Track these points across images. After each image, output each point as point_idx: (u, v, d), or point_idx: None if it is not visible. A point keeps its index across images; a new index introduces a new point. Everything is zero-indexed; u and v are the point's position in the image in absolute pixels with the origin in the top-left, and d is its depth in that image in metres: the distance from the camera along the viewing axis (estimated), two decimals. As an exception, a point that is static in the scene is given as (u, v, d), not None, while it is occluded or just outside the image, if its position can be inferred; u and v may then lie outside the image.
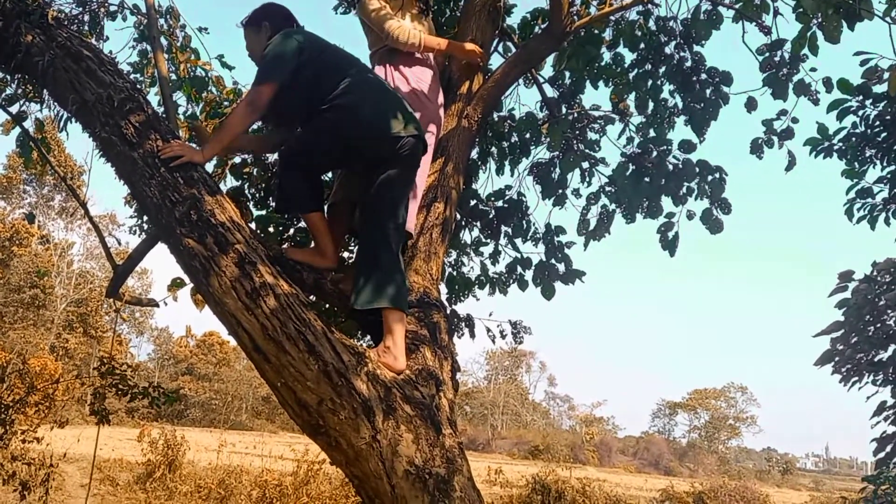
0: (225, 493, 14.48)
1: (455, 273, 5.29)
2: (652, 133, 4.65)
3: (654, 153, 4.50)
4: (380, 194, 3.00)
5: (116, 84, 2.89)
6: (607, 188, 4.79)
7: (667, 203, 4.63)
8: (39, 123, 4.34)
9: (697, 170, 4.49)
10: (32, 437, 5.92)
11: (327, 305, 3.89)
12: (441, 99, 3.63)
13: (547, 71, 4.85)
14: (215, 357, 62.54)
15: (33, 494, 6.03)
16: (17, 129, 4.21)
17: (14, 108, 4.04)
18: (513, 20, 4.75)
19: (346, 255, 4.80)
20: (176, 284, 3.91)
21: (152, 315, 65.54)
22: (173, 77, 4.74)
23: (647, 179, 4.54)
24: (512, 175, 5.10)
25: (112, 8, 4.61)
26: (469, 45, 3.69)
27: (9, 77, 3.89)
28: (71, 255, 54.12)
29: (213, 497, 14.49)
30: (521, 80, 4.59)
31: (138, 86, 3.22)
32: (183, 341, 66.33)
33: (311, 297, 3.18)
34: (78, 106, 2.86)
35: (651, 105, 4.63)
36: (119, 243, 4.27)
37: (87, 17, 4.39)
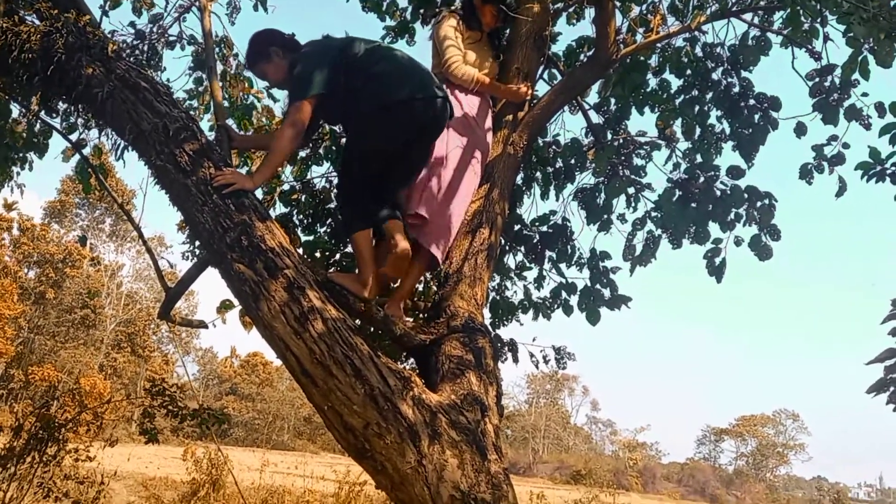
0: (268, 514, 14.55)
1: (499, 298, 5.30)
2: (699, 158, 4.61)
3: (702, 179, 4.46)
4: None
5: (171, 114, 2.98)
6: (653, 213, 4.76)
7: (714, 228, 4.58)
8: (97, 150, 4.49)
9: (746, 196, 4.44)
10: (85, 456, 6.06)
11: (372, 329, 3.93)
12: (489, 124, 3.67)
13: (592, 97, 4.87)
14: (258, 377, 63.18)
15: (84, 512, 6.16)
16: (77, 156, 4.37)
17: (74, 136, 4.19)
18: (558, 47, 4.79)
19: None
20: (225, 307, 3.99)
21: (197, 336, 66.50)
22: (226, 104, 4.87)
23: (693, 205, 4.50)
24: (556, 200, 5.11)
25: (171, 38, 4.76)
26: (521, 90, 3.73)
27: (69, 107, 4.03)
28: (121, 277, 55.37)
29: (257, 518, 14.57)
30: (566, 107, 4.61)
31: (192, 113, 3.33)
32: (227, 361, 67.20)
33: (357, 321, 3.22)
34: (135, 135, 2.96)
35: (698, 131, 4.60)
36: (170, 266, 4.37)
37: (146, 47, 4.55)
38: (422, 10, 4.98)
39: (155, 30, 4.61)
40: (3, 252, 43.71)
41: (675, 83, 4.67)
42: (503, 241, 4.81)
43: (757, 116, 4.56)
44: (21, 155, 4.41)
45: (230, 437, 47.09)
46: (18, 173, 4.67)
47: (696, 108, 4.63)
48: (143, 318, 52.22)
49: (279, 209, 4.99)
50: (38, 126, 4.33)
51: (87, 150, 4.39)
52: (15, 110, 4.24)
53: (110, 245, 55.03)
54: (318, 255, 4.63)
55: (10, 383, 41.02)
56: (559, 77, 4.69)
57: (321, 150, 5.12)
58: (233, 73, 5.06)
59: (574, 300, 5.05)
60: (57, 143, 4.70)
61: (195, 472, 15.68)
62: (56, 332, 46.17)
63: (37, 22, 3.12)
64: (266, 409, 58.79)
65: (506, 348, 5.02)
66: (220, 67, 4.86)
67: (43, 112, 4.00)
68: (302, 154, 4.98)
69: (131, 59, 3.22)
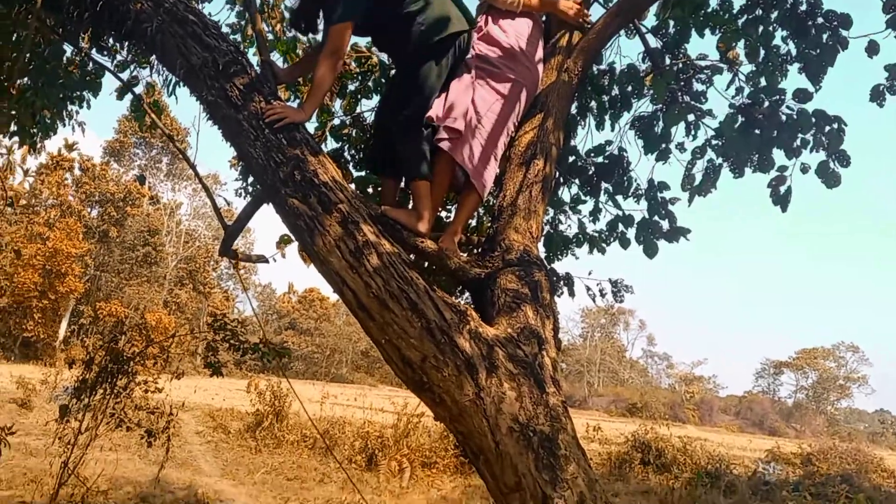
0: (329, 443, 15.03)
1: (553, 231, 5.23)
2: (763, 82, 4.39)
3: (766, 103, 4.25)
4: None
5: (220, 48, 2.94)
6: (714, 141, 4.58)
7: (779, 156, 4.40)
8: (150, 88, 4.50)
9: (813, 120, 4.23)
10: (154, 388, 6.30)
11: (427, 264, 3.92)
12: (540, 54, 3.53)
13: (650, 20, 4.65)
14: (316, 312, 64.65)
15: (156, 441, 6.43)
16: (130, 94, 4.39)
17: (125, 75, 4.20)
18: (614, -33, 4.57)
19: (443, 214, 4.82)
20: (284, 241, 4.01)
21: (256, 272, 68.12)
22: (269, 37, 4.81)
23: (757, 131, 4.31)
24: (612, 130, 4.96)
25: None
26: (572, 8, 3.56)
27: (118, 45, 4.03)
28: (179, 215, 56.66)
29: (318, 446, 15.07)
30: (622, 31, 4.42)
31: (239, 47, 3.29)
32: (285, 297, 68.82)
33: (411, 256, 3.20)
34: (185, 70, 2.93)
35: (762, 52, 4.37)
36: (227, 203, 4.41)
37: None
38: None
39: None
40: (67, 192, 45.04)
41: (738, 2, 4.43)
42: (557, 174, 4.70)
43: (825, 36, 4.30)
44: (77, 94, 4.45)
45: (290, 370, 48.52)
46: (77, 111, 4.73)
47: (761, 28, 4.38)
48: (203, 255, 53.58)
49: (330, 144, 4.97)
50: (90, 65, 4.35)
51: (139, 89, 4.42)
52: (68, 51, 4.27)
53: (167, 184, 56.18)
54: (370, 190, 4.61)
55: (79, 319, 42.79)
56: (615, 0, 4.49)
57: (370, 83, 5.05)
58: (272, 4, 4.99)
59: (631, 233, 4.94)
60: (111, 82, 4.73)
61: (259, 403, 16.25)
62: (120, 269, 47.77)
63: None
64: (324, 344, 60.33)
65: (561, 282, 4.97)
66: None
67: (94, 51, 4.01)
68: (351, 87, 4.92)
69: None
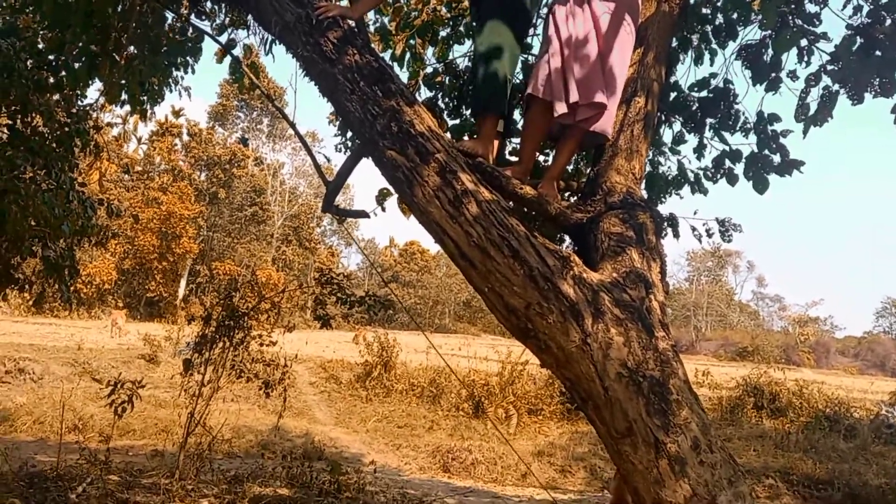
0: (437, 392, 15.36)
1: (653, 172, 5.06)
2: (884, -2, 4.05)
3: (888, 21, 3.93)
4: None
5: (314, 2, 2.95)
6: (829, 66, 4.28)
7: (903, 78, 4.06)
8: (247, 49, 4.59)
9: (943, 36, 3.88)
10: (268, 341, 6.57)
11: (526, 210, 3.88)
12: (639, -17, 3.36)
13: (757, -60, 4.35)
14: (417, 265, 65.65)
15: (274, 391, 6.74)
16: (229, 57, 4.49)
17: (223, 38, 4.30)
18: None
19: (541, 158, 4.74)
20: (383, 195, 4.05)
21: (358, 227, 69.58)
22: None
23: (878, 53, 3.99)
24: (712, 63, 4.72)
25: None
26: None
27: (216, 7, 4.12)
28: (282, 175, 58.32)
29: (427, 395, 15.44)
30: (726, -46, 4.17)
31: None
32: (387, 251, 70.14)
33: (510, 203, 3.16)
34: (280, 27, 2.96)
35: (884, -35, 4.02)
36: (327, 160, 4.48)
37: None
38: None
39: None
40: (177, 157, 47.11)
41: (857, -87, 4.08)
42: (658, 111, 4.53)
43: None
44: (181, 60, 4.60)
45: (395, 321, 49.69)
46: (182, 77, 4.89)
47: (883, -62, 4.03)
48: (306, 212, 55.14)
49: (424, 93, 4.95)
50: (190, 31, 4.47)
51: (237, 51, 4.52)
52: (169, 18, 4.40)
53: (269, 145, 57.80)
54: (465, 138, 4.57)
55: (197, 278, 45.07)
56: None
57: (461, 28, 4.98)
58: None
59: (739, 168, 4.73)
60: (211, 46, 4.85)
61: (367, 354, 16.74)
62: (230, 229, 49.83)
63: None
64: (426, 296, 61.36)
65: (665, 223, 4.82)
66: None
67: (193, 17, 4.11)
68: (442, 34, 4.87)
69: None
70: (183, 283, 43.34)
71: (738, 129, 4.68)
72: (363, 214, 3.80)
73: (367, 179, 3.23)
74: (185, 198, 41.52)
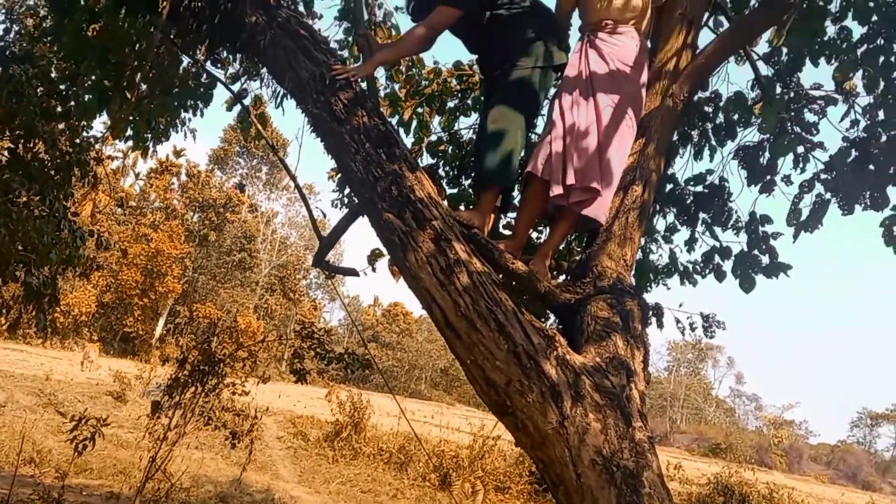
0: (404, 459, 15.07)
1: (644, 259, 5.11)
2: (881, 115, 4.18)
3: (883, 138, 4.05)
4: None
5: (329, 62, 3.02)
6: (823, 175, 4.38)
7: (894, 194, 4.16)
8: (257, 100, 4.67)
9: (935, 158, 3.99)
10: (241, 391, 6.47)
11: (515, 284, 3.89)
12: (644, 78, 3.45)
13: (761, 47, 4.51)
14: (399, 327, 65.30)
15: (240, 443, 6.61)
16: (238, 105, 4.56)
17: (235, 86, 4.37)
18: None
19: (534, 234, 4.78)
20: (375, 255, 4.06)
21: (344, 283, 69.42)
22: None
23: (871, 167, 4.10)
24: (711, 160, 4.82)
25: (321, -12, 4.83)
26: None
27: (231, 57, 4.20)
28: (275, 224, 58.43)
29: (394, 461, 15.14)
30: (731, 57, 4.30)
31: (347, 62, 3.37)
32: (371, 310, 69.84)
33: (500, 276, 3.18)
34: (293, 83, 3.02)
35: (881, 84, 4.16)
36: (324, 215, 4.51)
37: (300, -1, 4.65)
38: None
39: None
40: (173, 196, 47.19)
41: (858, 31, 4.24)
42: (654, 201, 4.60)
43: (953, 70, 4.07)
44: (191, 102, 4.66)
45: (371, 382, 49.12)
46: (189, 119, 4.96)
47: (881, 58, 4.18)
48: (293, 263, 55.05)
49: (426, 160, 5.02)
50: (204, 76, 4.54)
51: (247, 100, 4.59)
52: (184, 62, 4.48)
53: (265, 192, 58.07)
54: (462, 207, 4.62)
55: (176, 318, 44.59)
56: (726, 25, 4.37)
57: (469, 101, 5.09)
58: (378, 22, 5.09)
59: (728, 265, 4.78)
60: (221, 92, 4.94)
61: (339, 413, 16.47)
62: (216, 272, 49.56)
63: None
64: (404, 359, 60.85)
65: (651, 313, 4.84)
66: (366, 16, 4.90)
67: (208, 63, 4.19)
68: (450, 104, 4.97)
69: (290, 7, 3.27)
70: (161, 321, 42.85)
71: (729, 226, 4.75)
72: (353, 273, 3.80)
73: (358, 237, 3.27)
74: (174, 237, 41.42)
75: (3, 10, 7.25)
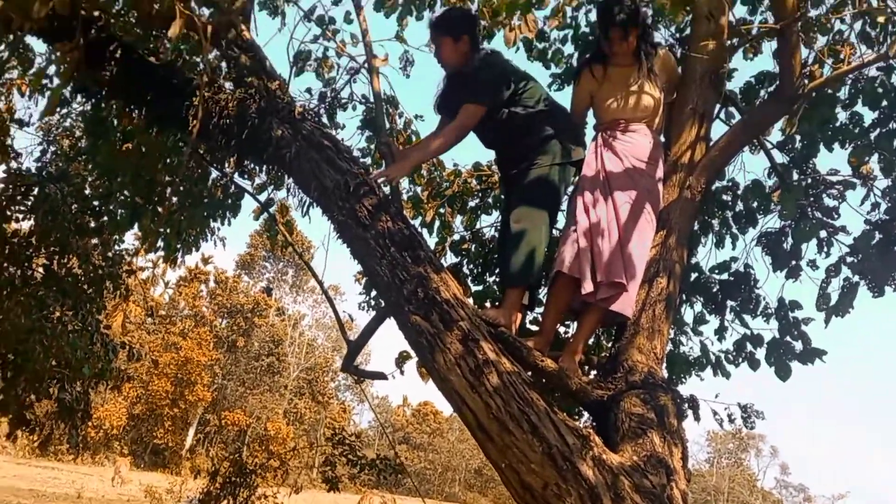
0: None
1: (674, 351, 5.03)
2: (901, 197, 4.18)
3: (906, 219, 4.03)
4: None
5: (352, 170, 3.11)
6: (849, 258, 4.35)
7: (924, 273, 4.11)
8: (283, 208, 4.79)
9: (963, 236, 3.96)
10: (272, 503, 6.35)
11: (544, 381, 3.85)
12: (660, 173, 3.51)
13: (775, 135, 4.57)
14: (429, 427, 64.11)
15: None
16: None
17: (262, 196, 4.51)
18: (733, 85, 4.56)
19: (561, 329, 4.75)
20: (403, 358, 4.06)
21: (372, 385, 68.83)
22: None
23: (897, 248, 4.07)
24: (733, 248, 4.81)
25: (343, 100, 5.02)
26: None
27: (258, 168, 4.35)
28: (302, 326, 58.58)
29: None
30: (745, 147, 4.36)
31: (370, 169, 3.48)
32: (400, 410, 68.84)
33: (530, 374, 3.15)
34: (319, 192, 3.11)
35: (898, 167, 4.17)
36: (351, 319, 4.54)
37: (323, 109, 4.83)
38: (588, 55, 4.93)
39: (329, 93, 4.86)
40: (202, 303, 47.71)
41: (869, 116, 4.29)
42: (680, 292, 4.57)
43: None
44: (219, 212, 4.80)
45: (403, 486, 47.93)
46: (219, 228, 5.10)
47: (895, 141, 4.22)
48: (321, 365, 54.83)
49: (450, 258, 5.07)
50: (231, 188, 4.69)
51: (273, 208, 4.72)
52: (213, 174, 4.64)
53: (291, 295, 58.49)
54: (487, 304, 4.63)
55: (206, 427, 44.26)
56: (737, 116, 4.45)
57: (490, 200, 5.17)
58: (399, 129, 5.25)
59: (761, 353, 4.69)
60: (248, 201, 5.09)
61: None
62: (245, 378, 49.41)
63: (232, 88, 3.39)
64: (437, 460, 59.45)
65: (685, 405, 4.74)
66: (387, 125, 5.06)
67: (236, 175, 4.33)
68: (471, 204, 5.06)
69: (314, 120, 3.41)
70: (191, 431, 42.53)
71: (759, 313, 4.68)
72: (381, 377, 3.79)
73: (384, 339, 3.29)
74: (203, 344, 41.62)
75: (41, 133, 7.59)
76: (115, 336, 7.43)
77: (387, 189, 3.35)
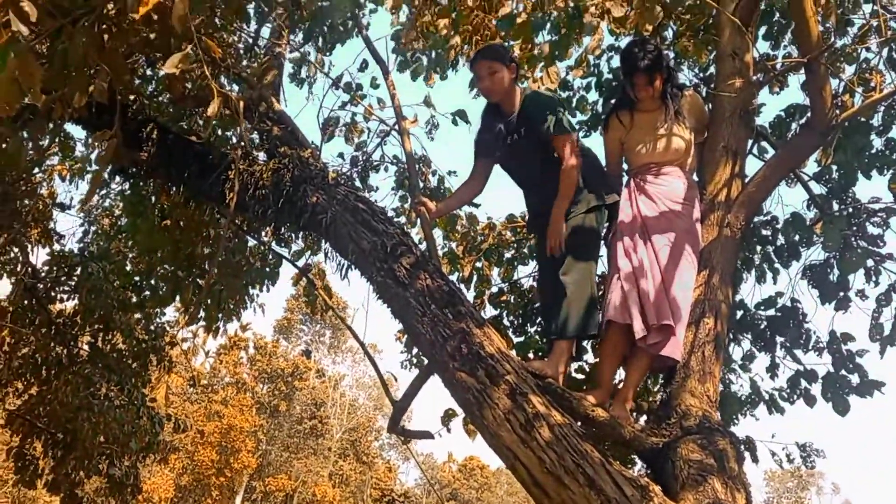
0: None
1: (726, 391, 4.92)
2: (947, 221, 4.09)
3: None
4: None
5: (388, 231, 3.14)
6: (900, 286, 4.24)
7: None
8: (321, 272, 4.83)
9: None
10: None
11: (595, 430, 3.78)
12: (697, 213, 3.48)
13: (810, 167, 4.52)
14: (477, 482, 63.00)
15: None
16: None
17: (300, 262, 4.56)
18: (763, 119, 4.54)
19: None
20: (449, 415, 4.02)
21: (416, 442, 68.14)
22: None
23: (949, 272, 3.97)
24: (774, 282, 4.72)
25: (375, 162, 5.10)
26: None
27: (293, 234, 4.41)
28: (343, 387, 58.41)
29: None
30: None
31: (405, 228, 3.50)
32: (446, 466, 67.85)
33: (580, 424, 3.10)
34: (356, 255, 3.14)
35: (941, 189, 4.09)
36: (395, 379, 4.53)
37: (356, 172, 4.91)
38: (612, 101, 4.96)
39: (361, 156, 4.94)
40: (242, 369, 47.94)
41: (905, 140, 4.23)
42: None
43: None
44: (259, 281, 4.85)
45: (454, 544, 46.95)
46: (258, 295, 5.14)
47: (934, 165, 4.15)
48: (364, 424, 54.47)
49: (489, 311, 5.05)
50: (270, 256, 4.75)
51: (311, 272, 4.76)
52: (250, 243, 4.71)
53: (329, 357, 58.49)
54: (530, 356, 4.58)
55: (252, 494, 44.03)
56: (770, 151, 4.42)
57: (525, 250, 5.17)
58: (433, 187, 5.30)
59: (816, 388, 4.56)
60: (286, 267, 5.14)
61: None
62: (289, 443, 49.21)
63: (266, 159, 3.46)
64: (486, 515, 58.24)
65: (741, 447, 4.60)
66: (420, 184, 5.11)
67: (273, 243, 4.39)
68: (507, 255, 5.05)
69: (348, 184, 3.45)
70: (238, 499, 42.29)
71: (810, 348, 4.57)
72: (428, 436, 3.75)
73: (425, 396, 3.27)
74: (246, 410, 41.65)
75: (82, 214, 7.79)
76: (160, 408, 7.48)
77: (423, 246, 3.37)
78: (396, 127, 4.24)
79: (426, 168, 5.30)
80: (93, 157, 2.39)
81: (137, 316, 6.68)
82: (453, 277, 4.92)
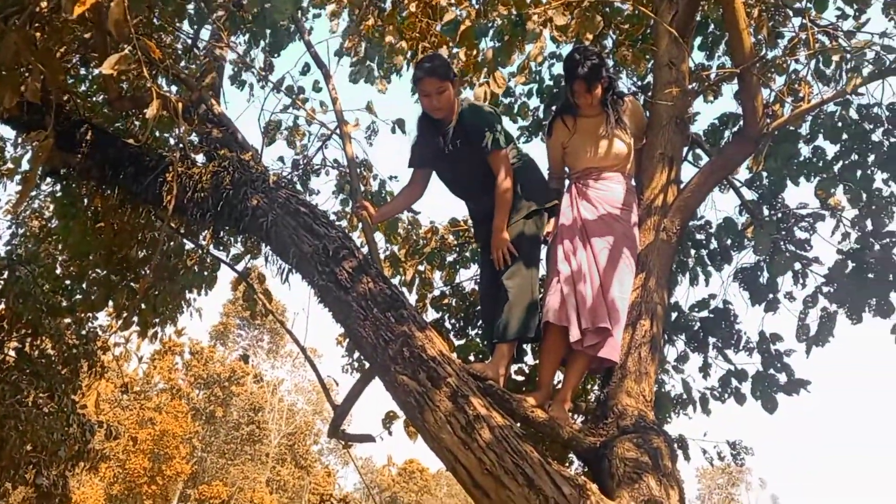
0: None
1: (659, 390, 5.04)
2: (869, 226, 4.28)
3: (876, 247, 4.12)
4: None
5: (330, 234, 3.13)
6: (825, 288, 4.42)
7: (898, 299, 4.18)
8: (261, 277, 4.77)
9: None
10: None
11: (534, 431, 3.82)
12: (635, 217, 3.57)
13: (742, 174, 4.68)
14: (416, 485, 62.91)
15: None
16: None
17: (239, 266, 4.48)
18: (698, 127, 4.69)
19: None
20: (390, 418, 4.02)
21: (355, 446, 67.63)
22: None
23: (871, 276, 4.15)
24: (707, 285, 4.86)
25: (317, 166, 5.06)
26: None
27: (232, 238, 4.34)
28: (281, 392, 57.60)
29: None
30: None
31: (347, 232, 3.49)
32: (385, 470, 67.53)
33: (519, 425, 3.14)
34: (297, 258, 3.12)
35: (864, 196, 4.28)
36: (336, 383, 4.49)
37: (297, 176, 4.86)
38: (553, 107, 5.04)
39: (302, 160, 4.90)
40: (177, 375, 46.81)
41: (831, 150, 4.42)
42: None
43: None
44: (196, 285, 4.76)
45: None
46: (195, 299, 5.05)
47: (859, 172, 4.33)
48: (303, 429, 53.83)
49: (431, 314, 5.07)
50: (208, 260, 4.67)
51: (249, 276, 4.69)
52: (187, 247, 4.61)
53: (268, 362, 57.61)
54: (471, 358, 4.61)
55: (186, 503, 43.03)
56: (704, 158, 4.56)
57: (467, 254, 5.20)
58: (374, 191, 5.29)
59: (746, 387, 4.71)
60: (224, 272, 5.05)
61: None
62: (226, 449, 48.27)
63: (205, 162, 3.40)
64: (426, 519, 58.20)
65: (675, 445, 4.72)
66: (361, 188, 5.10)
67: (212, 247, 4.32)
68: (449, 259, 5.08)
69: (289, 187, 3.42)
70: (172, 508, 41.26)
71: (741, 348, 4.72)
72: (369, 439, 3.74)
73: (364, 400, 3.27)
74: (181, 417, 40.71)
75: (10, 217, 7.52)
76: (91, 415, 7.25)
77: (365, 250, 3.37)
78: (338, 131, 4.22)
79: (367, 172, 5.28)
80: (25, 158, 2.31)
81: (68, 320, 6.47)
82: (395, 281, 4.92)
